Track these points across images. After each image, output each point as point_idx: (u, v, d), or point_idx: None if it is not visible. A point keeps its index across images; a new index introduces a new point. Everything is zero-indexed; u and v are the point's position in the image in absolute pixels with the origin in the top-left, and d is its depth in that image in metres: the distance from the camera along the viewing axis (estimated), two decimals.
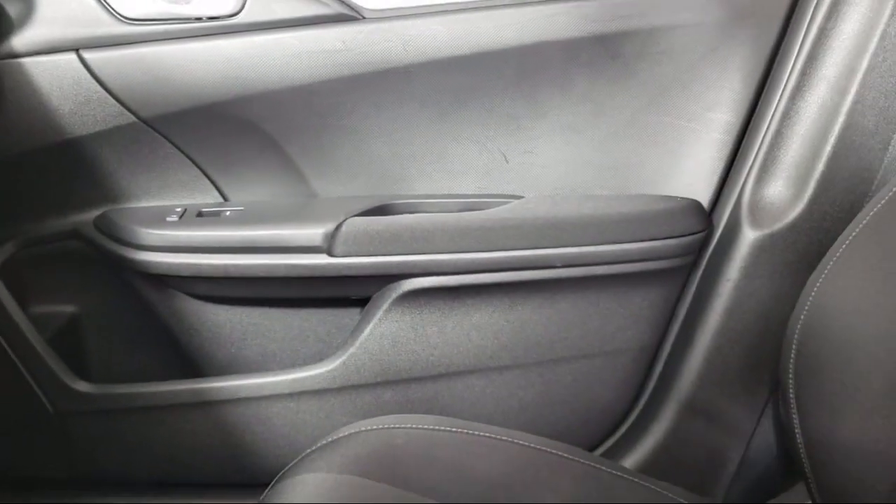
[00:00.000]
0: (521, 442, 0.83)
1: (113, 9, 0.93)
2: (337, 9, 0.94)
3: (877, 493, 0.72)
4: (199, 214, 0.99)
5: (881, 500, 0.72)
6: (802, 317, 0.81)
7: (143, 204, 1.01)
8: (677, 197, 1.02)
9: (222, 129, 1.00)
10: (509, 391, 1.02)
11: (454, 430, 0.83)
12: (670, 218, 1.00)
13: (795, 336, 0.81)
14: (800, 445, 0.80)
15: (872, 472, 0.74)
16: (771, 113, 0.98)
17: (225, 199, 1.03)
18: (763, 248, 0.97)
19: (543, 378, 1.02)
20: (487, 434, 0.84)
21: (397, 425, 0.84)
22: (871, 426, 0.74)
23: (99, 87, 0.94)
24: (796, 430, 0.80)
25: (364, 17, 0.95)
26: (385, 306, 0.98)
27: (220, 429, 1.01)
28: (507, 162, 1.03)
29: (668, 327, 1.05)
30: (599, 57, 0.98)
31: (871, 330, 0.76)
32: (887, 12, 0.90)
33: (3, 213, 1.01)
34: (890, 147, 0.91)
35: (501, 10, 0.95)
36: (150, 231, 0.96)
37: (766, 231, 0.97)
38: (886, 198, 0.78)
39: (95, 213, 1.00)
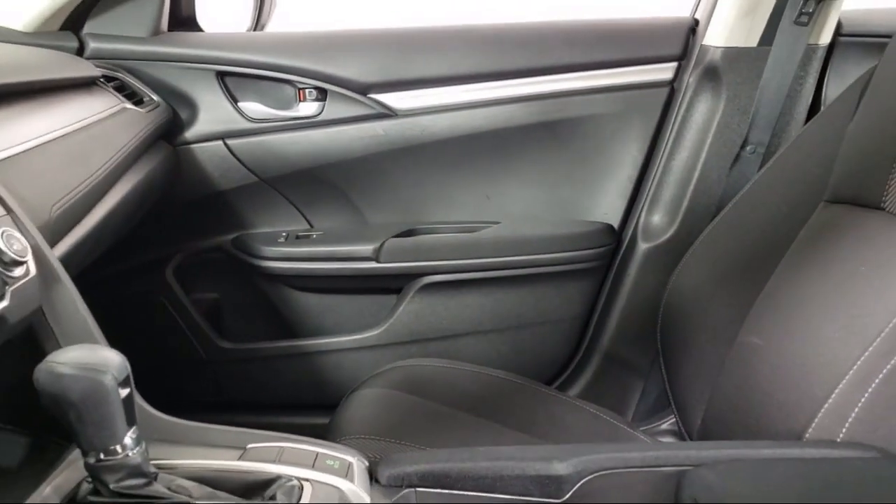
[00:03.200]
0: (497, 375, 1.33)
1: (244, 113, 1.47)
2: (379, 110, 1.46)
3: (698, 411, 1.18)
4: (297, 237, 1.52)
5: (698, 417, 1.17)
6: (665, 297, 1.30)
7: (262, 230, 1.55)
8: (597, 222, 1.53)
9: (309, 183, 1.53)
10: (490, 345, 1.53)
11: (454, 367, 1.33)
12: (592, 235, 1.51)
13: (661, 309, 1.30)
14: (664, 378, 1.29)
15: (697, 397, 1.20)
16: (655, 169, 1.48)
17: (311, 226, 1.57)
18: (650, 255, 1.47)
19: (511, 337, 1.53)
20: (476, 370, 1.34)
21: (420, 364, 1.35)
22: (700, 364, 1.22)
23: (236, 161, 1.48)
24: (663, 369, 1.29)
25: (397, 114, 1.47)
26: (411, 294, 1.50)
27: (310, 370, 1.55)
28: (489, 199, 1.54)
29: (593, 305, 1.55)
30: (545, 135, 1.49)
31: (699, 302, 1.24)
32: (720, 110, 1.39)
33: (177, 236, 1.55)
34: (720, 192, 1.40)
35: (480, 108, 1.47)
36: (267, 247, 1.50)
37: (652, 244, 1.47)
38: (715, 222, 1.26)
39: (232, 235, 1.54)
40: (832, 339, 0.92)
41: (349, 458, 0.76)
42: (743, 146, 1.39)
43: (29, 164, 0.88)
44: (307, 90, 1.46)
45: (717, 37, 1.37)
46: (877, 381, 0.81)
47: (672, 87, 1.45)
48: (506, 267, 1.49)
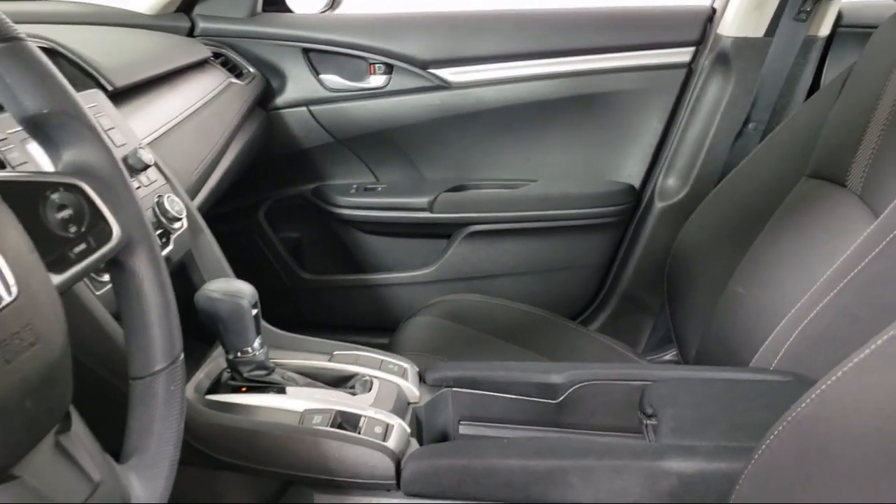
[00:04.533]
0: (528, 310, 1.58)
1: (324, 84, 1.73)
2: (437, 82, 1.70)
3: (693, 345, 1.41)
4: (365, 189, 1.80)
5: (693, 349, 1.40)
6: (673, 247, 1.53)
7: (337, 182, 1.83)
8: (620, 182, 1.76)
9: (377, 144, 1.80)
10: (524, 285, 1.80)
11: (492, 301, 1.59)
12: (615, 194, 1.75)
13: (670, 257, 1.53)
14: (668, 317, 1.54)
15: (693, 333, 1.43)
16: (672, 139, 1.69)
17: (377, 180, 1.84)
18: (664, 213, 1.70)
19: (542, 279, 1.79)
20: (510, 305, 1.60)
21: (463, 298, 1.61)
22: (697, 306, 1.45)
23: (317, 124, 1.75)
24: (667, 310, 1.53)
25: (451, 87, 1.71)
26: (458, 240, 1.77)
27: (373, 299, 1.84)
28: (529, 161, 1.78)
29: (614, 254, 1.80)
30: (577, 107, 1.72)
31: (699, 255, 1.47)
32: (728, 91, 1.59)
33: (267, 185, 1.83)
34: (725, 162, 1.61)
35: (522, 83, 1.70)
36: (341, 197, 1.78)
37: (666, 204, 1.70)
38: (717, 188, 1.48)
39: (312, 186, 1.83)
40: (787, 289, 1.15)
41: (405, 365, 1.05)
42: (746, 123, 1.60)
43: (172, 141, 1.16)
44: (377, 65, 1.72)
45: (729, 26, 1.57)
46: (805, 322, 1.05)
47: (689, 68, 1.66)
48: (540, 219, 1.75)
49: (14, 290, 0.46)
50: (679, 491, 0.82)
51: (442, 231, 1.79)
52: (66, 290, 0.54)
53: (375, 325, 1.82)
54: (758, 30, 1.55)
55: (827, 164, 1.23)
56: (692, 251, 1.49)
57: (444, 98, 1.72)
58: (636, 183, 1.76)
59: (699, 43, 1.64)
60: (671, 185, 1.70)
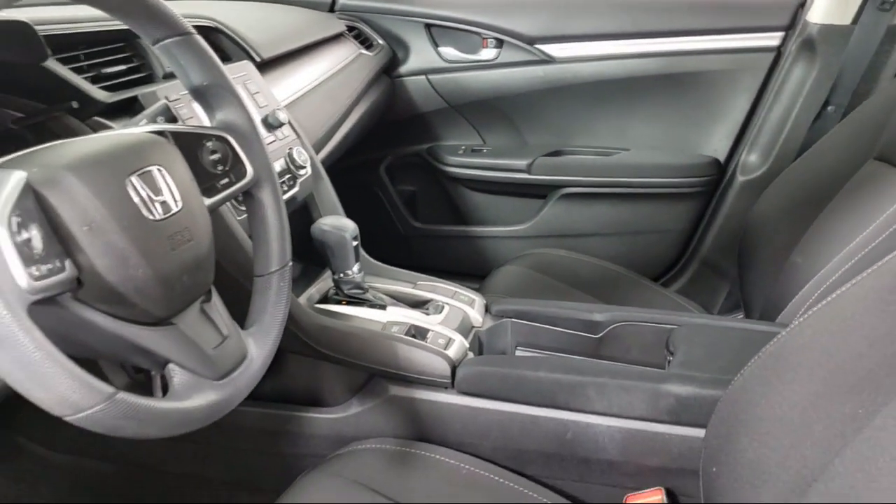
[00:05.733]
0: (611, 267, 1.75)
1: (442, 56, 1.94)
2: (542, 57, 1.88)
3: (758, 309, 1.53)
4: (473, 150, 2.01)
5: (758, 313, 1.52)
6: (748, 217, 1.65)
7: (448, 143, 2.06)
8: (706, 155, 1.88)
9: (485, 110, 2.00)
10: (610, 245, 1.96)
11: (579, 258, 1.77)
12: (701, 166, 1.87)
13: (744, 227, 1.65)
14: (736, 280, 1.66)
15: (758, 298, 1.56)
16: (757, 118, 1.79)
17: (484, 142, 2.05)
18: (745, 187, 1.81)
19: (628, 240, 1.95)
20: (595, 262, 1.76)
21: (553, 252, 1.79)
22: (764, 274, 1.57)
23: (434, 92, 1.98)
24: (739, 276, 1.66)
25: (555, 61, 1.88)
26: (553, 200, 1.95)
27: (473, 248, 2.07)
28: (622, 131, 1.93)
29: (696, 222, 1.92)
30: (670, 84, 1.85)
31: (769, 227, 1.58)
32: (812, 74, 1.67)
33: (388, 143, 2.08)
34: (803, 141, 1.70)
35: (619, 59, 1.84)
36: (451, 157, 2.01)
37: (747, 178, 1.81)
38: (792, 165, 1.58)
39: (427, 146, 2.06)
40: (834, 261, 1.27)
41: (474, 297, 1.26)
42: (825, 105, 1.68)
43: (304, 104, 1.42)
44: (489, 40, 1.91)
45: (818, 14, 1.65)
46: (827, 283, 1.18)
47: (778, 51, 1.75)
48: (630, 186, 1.90)
49: (179, 203, 0.71)
50: (676, 410, 0.99)
51: (538, 191, 1.98)
52: (213, 210, 0.79)
53: (471, 270, 2.03)
54: (844, 17, 1.62)
55: (893, 148, 1.32)
56: (763, 222, 1.61)
57: (547, 71, 1.90)
58: (721, 157, 1.88)
59: (789, 28, 1.73)
60: (753, 160, 1.81)
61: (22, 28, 0.82)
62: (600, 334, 1.21)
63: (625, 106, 1.91)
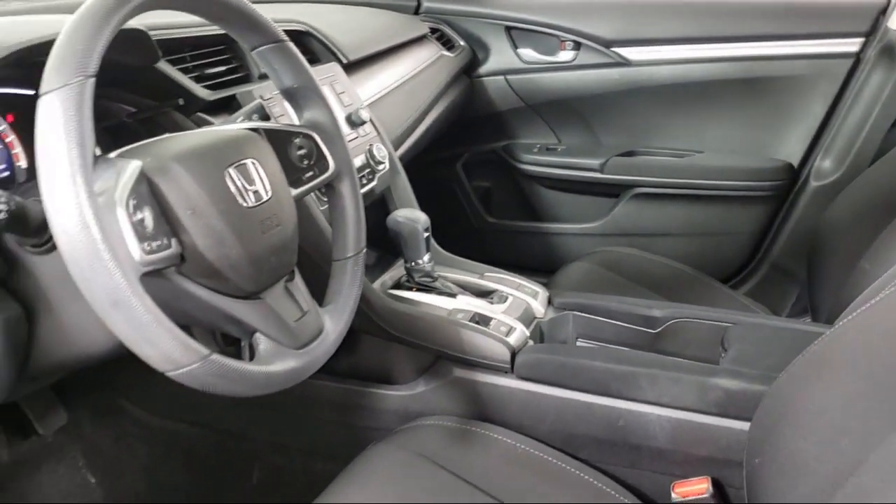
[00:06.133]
0: (680, 268, 1.77)
1: (521, 57, 2.01)
2: (617, 59, 1.92)
3: (824, 314, 1.54)
4: (547, 149, 2.07)
5: (824, 319, 1.53)
6: (819, 223, 1.65)
7: (523, 141, 2.12)
8: (779, 160, 1.88)
9: (561, 110, 2.06)
10: (680, 245, 1.98)
11: (648, 257, 1.79)
12: (774, 171, 1.88)
13: (815, 232, 1.65)
14: (806, 284, 1.67)
15: (825, 303, 1.56)
16: (833, 125, 1.79)
17: (559, 141, 2.10)
18: (817, 192, 1.81)
19: (698, 242, 1.97)
20: (664, 262, 1.78)
21: (622, 251, 1.82)
22: (831, 279, 1.58)
23: (512, 91, 2.04)
24: (807, 281, 1.67)
25: (630, 64, 1.92)
26: (625, 200, 1.99)
27: (544, 243, 2.12)
28: (696, 134, 1.95)
29: (768, 225, 1.93)
30: (745, 88, 1.86)
31: (839, 233, 1.58)
32: (891, 81, 1.66)
33: (466, 141, 2.16)
34: (878, 149, 1.68)
35: (695, 63, 1.87)
36: (526, 154, 2.07)
37: (820, 184, 1.81)
38: (865, 172, 1.58)
39: (503, 143, 2.13)
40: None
41: (538, 289, 1.32)
42: None
43: (385, 103, 1.51)
44: (567, 42, 1.96)
45: None
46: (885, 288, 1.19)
47: (857, 58, 1.75)
48: (702, 188, 1.92)
49: (270, 193, 0.80)
50: (724, 403, 1.03)
51: (610, 190, 2.02)
52: (298, 200, 0.88)
53: (541, 266, 2.07)
54: None
55: None
56: (835, 228, 1.61)
57: (623, 74, 1.94)
58: (794, 161, 1.88)
59: (869, 34, 1.72)
60: (827, 166, 1.80)
61: (139, 35, 0.93)
62: (658, 329, 1.25)
63: (699, 109, 1.93)
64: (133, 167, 0.70)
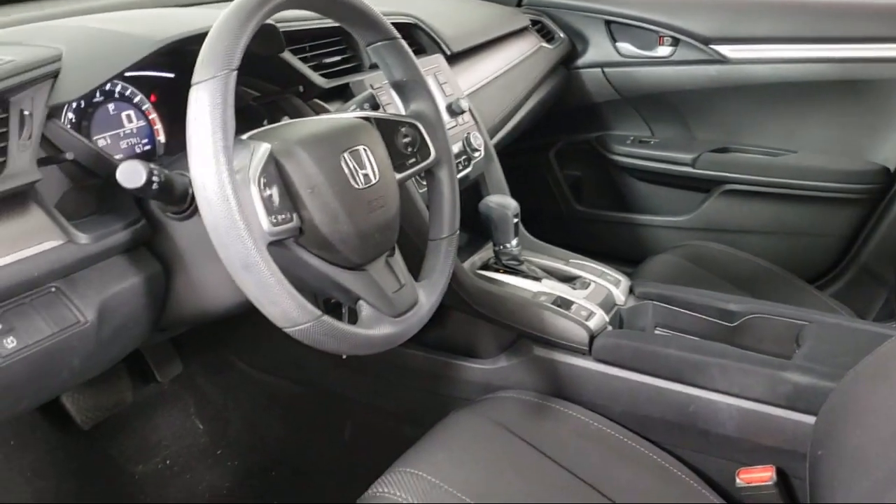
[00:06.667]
0: (767, 266, 1.75)
1: (619, 50, 2.04)
2: (715, 56, 1.93)
3: None
4: (640, 141, 2.10)
5: None
6: None
7: (617, 133, 2.15)
8: (875, 163, 1.86)
9: (656, 104, 2.08)
10: (768, 243, 1.97)
11: (735, 253, 1.78)
12: (869, 174, 1.86)
13: None
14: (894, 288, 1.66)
15: None
16: None
17: (652, 134, 2.13)
18: None
19: (786, 241, 1.97)
20: (751, 259, 1.77)
21: (709, 246, 1.81)
22: None
23: (608, 84, 2.08)
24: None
25: (728, 61, 1.92)
26: (715, 195, 2.01)
27: (631, 234, 2.15)
28: (791, 134, 1.94)
29: (859, 228, 1.90)
30: (844, 89, 1.84)
31: None
32: None
33: (559, 130, 2.21)
34: None
35: (793, 63, 1.85)
36: (619, 146, 2.11)
37: None
38: None
39: (596, 134, 2.17)
40: None
41: (620, 278, 1.38)
42: None
43: (484, 93, 1.58)
44: (665, 37, 1.98)
45: None
46: None
47: None
48: (794, 187, 1.92)
49: (377, 176, 0.89)
50: (793, 396, 1.07)
51: (701, 185, 2.03)
52: (401, 184, 0.97)
53: (626, 256, 2.10)
54: None
55: None
56: None
57: (720, 71, 1.94)
58: (891, 165, 1.84)
59: None
60: None
61: (271, 29, 1.03)
62: (735, 323, 1.29)
63: (795, 109, 1.92)
64: (264, 149, 0.80)
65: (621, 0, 2.03)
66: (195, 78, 0.75)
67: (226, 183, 0.72)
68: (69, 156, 0.86)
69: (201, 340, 1.63)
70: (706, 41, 1.93)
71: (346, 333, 0.82)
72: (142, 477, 1.53)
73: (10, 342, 0.75)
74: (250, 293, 0.75)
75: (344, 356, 0.95)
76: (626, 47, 2.04)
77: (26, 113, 0.79)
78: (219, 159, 0.72)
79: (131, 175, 0.77)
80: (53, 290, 0.81)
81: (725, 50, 1.92)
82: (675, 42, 1.98)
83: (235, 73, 0.75)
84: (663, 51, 2.00)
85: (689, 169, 2.00)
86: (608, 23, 2.04)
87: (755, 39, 1.89)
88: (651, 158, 2.06)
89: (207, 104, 0.73)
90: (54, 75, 0.83)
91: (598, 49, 2.07)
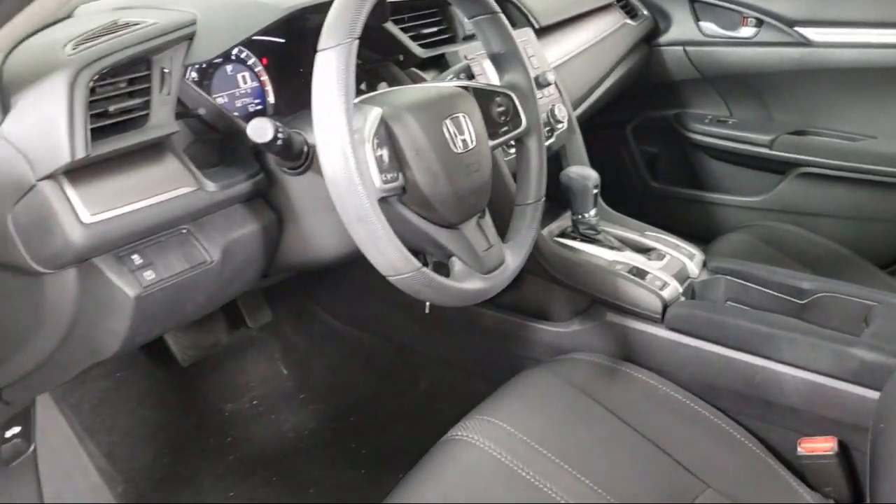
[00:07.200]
0: (840, 250, 1.73)
1: (702, 30, 2.04)
2: (799, 39, 1.91)
3: None
4: (718, 120, 2.10)
5: None
6: None
7: (695, 111, 2.16)
8: None
9: (735, 84, 2.08)
10: (841, 228, 1.95)
11: (807, 236, 1.77)
12: None
13: None
14: None
15: None
16: None
17: (730, 114, 2.13)
18: None
19: (860, 226, 1.94)
20: (823, 242, 1.76)
21: (782, 227, 1.80)
22: None
23: (689, 62, 2.08)
24: None
25: (811, 44, 1.91)
26: (790, 177, 2.00)
27: (704, 213, 2.15)
28: (871, 119, 1.92)
29: None
30: None
31: None
32: None
33: (639, 106, 2.22)
34: None
35: (877, 49, 1.83)
36: (696, 124, 2.11)
37: None
38: None
39: (674, 111, 2.17)
40: None
41: (694, 251, 1.41)
42: None
43: (569, 67, 1.62)
44: (749, 18, 1.98)
45: None
46: None
47: None
48: (872, 173, 1.89)
49: (474, 142, 0.95)
50: (860, 372, 1.10)
51: (777, 167, 2.03)
52: (493, 150, 1.03)
53: (699, 233, 2.08)
54: None
55: None
56: None
57: (803, 54, 1.93)
58: None
59: None
60: None
61: (381, 1, 1.10)
62: (805, 301, 1.31)
63: (877, 94, 1.90)
64: (375, 113, 0.87)
65: None
66: (321, 44, 0.81)
67: (346, 141, 0.79)
68: (201, 111, 0.94)
69: (290, 292, 1.73)
70: (791, 23, 1.91)
71: (441, 285, 0.89)
72: (231, 414, 1.64)
73: (150, 275, 0.84)
74: (361, 243, 0.83)
75: (427, 310, 1.03)
76: (709, 27, 2.04)
77: (166, 71, 0.88)
78: (341, 120, 0.79)
79: (261, 131, 0.84)
80: (185, 231, 0.90)
81: (810, 33, 1.90)
82: (759, 23, 1.97)
83: (357, 41, 0.82)
84: (746, 32, 2.00)
85: (766, 150, 2.00)
86: (692, 2, 2.04)
87: (840, 23, 1.86)
88: (728, 138, 2.06)
89: (333, 69, 0.80)
90: (190, 37, 0.91)
91: (681, 27, 2.08)
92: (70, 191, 0.78)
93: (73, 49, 0.83)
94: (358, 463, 1.60)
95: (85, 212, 0.78)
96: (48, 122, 0.77)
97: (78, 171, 0.79)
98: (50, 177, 0.77)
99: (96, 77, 0.80)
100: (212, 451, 1.58)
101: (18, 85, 0.81)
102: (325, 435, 1.66)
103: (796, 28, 1.91)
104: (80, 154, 0.77)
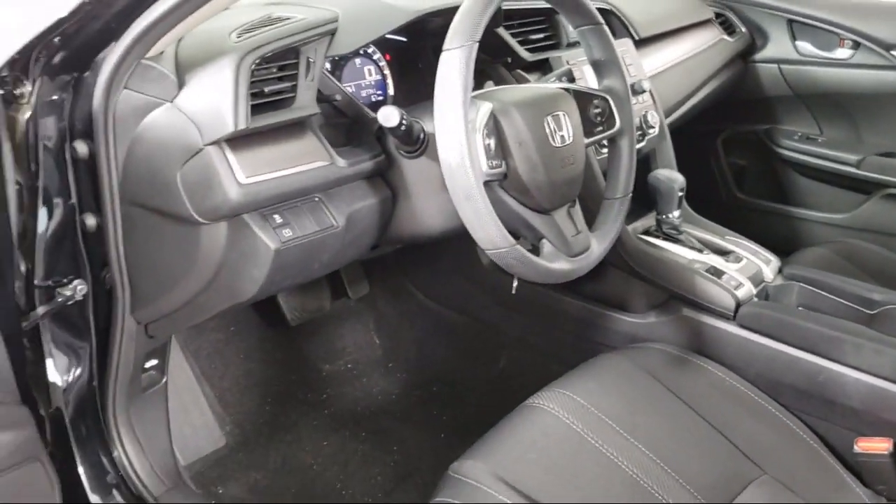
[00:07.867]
0: None
1: (798, 49, 2.07)
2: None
3: None
4: (808, 138, 2.12)
5: None
6: None
7: (785, 127, 2.17)
8: None
9: (828, 104, 2.09)
10: None
11: (889, 255, 1.79)
12: None
13: None
14: None
15: None
16: None
17: (821, 132, 2.14)
18: None
19: None
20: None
21: (863, 245, 1.80)
22: None
23: (783, 80, 2.11)
24: None
25: None
26: (876, 197, 2.00)
27: (784, 225, 2.17)
28: None
29: None
30: None
31: None
32: None
33: (730, 119, 2.25)
34: None
35: None
36: (786, 140, 2.14)
37: None
38: None
39: (765, 127, 2.20)
40: None
41: (771, 258, 1.47)
42: None
43: (664, 77, 1.70)
44: (846, 40, 1.99)
45: None
46: None
47: None
48: None
49: (571, 139, 1.05)
50: None
51: (863, 187, 2.04)
52: (587, 147, 1.12)
53: (779, 246, 2.05)
54: None
55: None
56: None
57: (884, 77, 1.94)
58: None
59: None
60: None
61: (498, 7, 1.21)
62: (875, 311, 1.36)
63: None
64: (486, 107, 0.98)
65: (806, 0, 2.06)
66: (447, 45, 0.93)
67: (461, 130, 0.91)
68: (337, 97, 1.08)
69: (386, 269, 1.87)
70: (889, 47, 1.92)
71: (532, 262, 0.99)
72: (328, 374, 1.79)
73: (287, 232, 0.98)
74: (466, 219, 0.94)
75: (513, 290, 1.14)
76: (805, 47, 2.07)
77: (311, 60, 1.01)
78: (459, 112, 0.91)
79: (389, 117, 0.97)
80: (317, 199, 1.04)
81: None
82: (856, 45, 1.98)
83: (477, 44, 0.93)
84: (842, 53, 2.02)
85: (854, 170, 2.02)
86: (790, 21, 2.06)
87: None
88: (817, 155, 2.09)
89: (456, 67, 0.91)
90: (333, 32, 1.04)
91: (778, 46, 2.11)
92: (230, 155, 0.93)
93: (238, 37, 0.97)
94: (438, 428, 1.72)
95: (241, 174, 0.93)
96: (216, 97, 0.92)
97: (237, 140, 0.94)
98: (215, 143, 0.92)
99: (257, 61, 0.94)
100: (309, 405, 1.73)
101: (191, 65, 0.96)
102: (410, 400, 1.79)
103: (893, 52, 1.92)
104: (242, 125, 0.91)
